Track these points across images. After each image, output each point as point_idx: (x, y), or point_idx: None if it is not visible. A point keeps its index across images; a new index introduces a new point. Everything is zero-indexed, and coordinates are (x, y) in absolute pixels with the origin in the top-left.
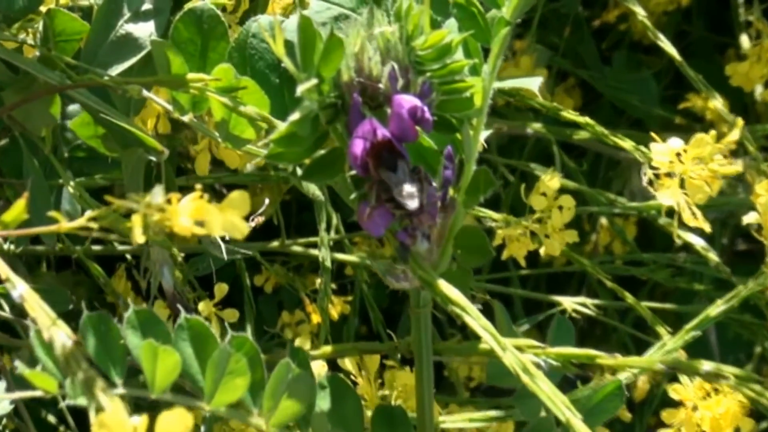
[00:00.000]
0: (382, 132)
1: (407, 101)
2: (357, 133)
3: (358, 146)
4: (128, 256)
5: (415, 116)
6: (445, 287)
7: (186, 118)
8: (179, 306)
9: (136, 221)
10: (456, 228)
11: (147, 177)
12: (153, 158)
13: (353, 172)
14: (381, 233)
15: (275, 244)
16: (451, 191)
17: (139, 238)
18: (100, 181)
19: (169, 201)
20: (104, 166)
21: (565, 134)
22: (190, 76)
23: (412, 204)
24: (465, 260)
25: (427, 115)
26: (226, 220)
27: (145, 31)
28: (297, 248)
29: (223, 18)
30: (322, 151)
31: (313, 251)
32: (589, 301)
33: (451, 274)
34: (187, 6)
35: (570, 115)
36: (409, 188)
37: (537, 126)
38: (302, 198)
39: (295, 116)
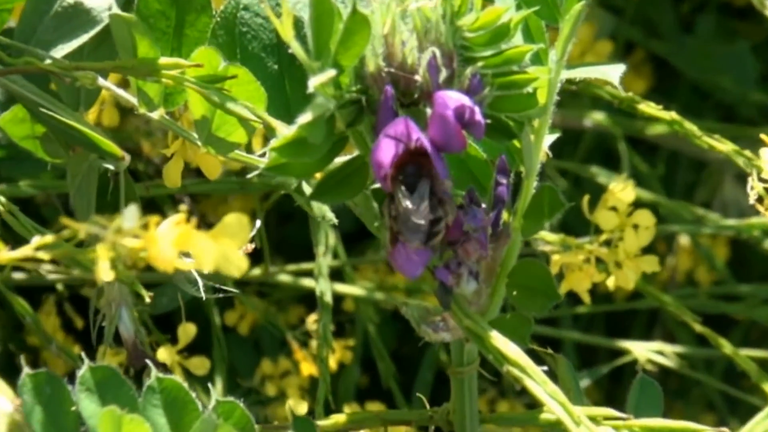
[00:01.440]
0: (419, 137)
1: (453, 99)
2: (387, 131)
3: (387, 151)
4: (59, 286)
5: (463, 118)
6: (499, 340)
7: (155, 115)
8: (146, 360)
9: (103, 253)
10: (511, 262)
11: (100, 190)
12: (109, 166)
13: (377, 186)
14: (417, 274)
15: (257, 272)
16: (504, 215)
17: (105, 274)
18: (26, 189)
19: (145, 226)
20: (29, 169)
21: (636, 128)
22: (163, 60)
23: (413, 240)
24: (523, 305)
25: (478, 116)
26: (220, 253)
27: (100, 0)
28: (285, 277)
29: None
30: (339, 162)
31: (306, 281)
32: (667, 347)
33: (505, 323)
34: None
35: (650, 109)
36: (416, 220)
37: (598, 117)
38: (283, 206)
39: (305, 118)
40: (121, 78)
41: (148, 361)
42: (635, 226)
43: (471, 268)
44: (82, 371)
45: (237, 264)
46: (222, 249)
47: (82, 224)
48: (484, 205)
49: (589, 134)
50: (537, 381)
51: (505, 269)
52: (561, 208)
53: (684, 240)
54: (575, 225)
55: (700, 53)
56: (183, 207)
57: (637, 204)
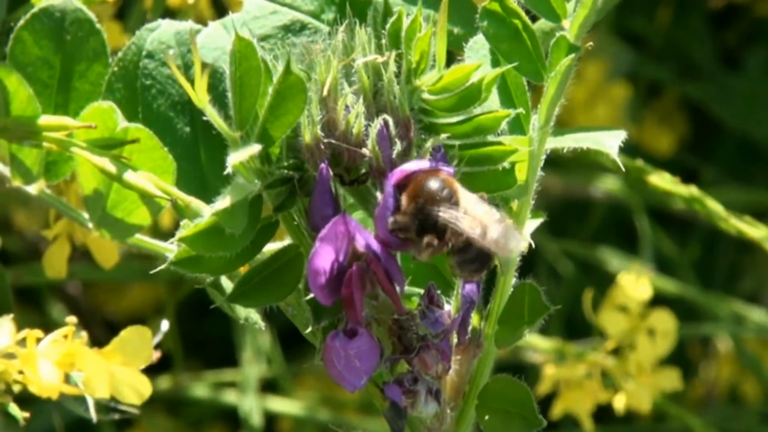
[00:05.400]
0: (363, 240)
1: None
2: (324, 235)
3: (326, 257)
4: None
5: None
6: None
7: (33, 189)
8: None
9: None
10: (482, 378)
11: None
12: None
13: (313, 296)
14: (360, 385)
15: (163, 383)
16: (474, 319)
17: None
18: None
19: (22, 342)
20: None
21: (660, 198)
22: (44, 120)
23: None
24: None
25: None
26: (116, 376)
27: None
28: (201, 390)
29: (98, 25)
30: (266, 253)
31: (229, 395)
32: None
33: None
34: (39, 4)
35: (664, 183)
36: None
37: (611, 184)
38: (200, 296)
39: (222, 203)
40: None
41: None
42: (651, 332)
43: (430, 386)
44: None
45: (137, 389)
46: (119, 372)
47: None
48: (448, 307)
49: (600, 206)
50: None
51: (475, 388)
52: (544, 312)
53: (724, 344)
54: (581, 326)
55: (749, 97)
56: (71, 319)
57: (662, 298)
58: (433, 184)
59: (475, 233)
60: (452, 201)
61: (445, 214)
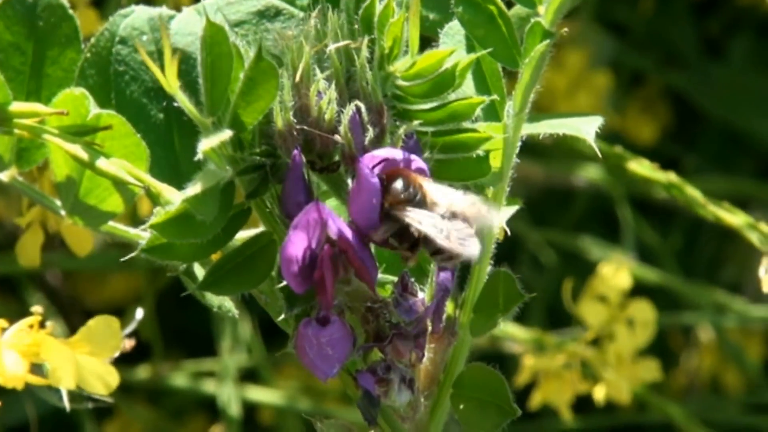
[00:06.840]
0: (337, 228)
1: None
2: (298, 223)
3: (299, 245)
4: None
5: None
6: None
7: (5, 176)
8: None
9: None
10: (457, 367)
11: None
12: None
13: (285, 283)
14: (332, 373)
15: (143, 373)
16: (449, 307)
17: None
18: None
19: None
20: None
21: (641, 188)
22: (16, 106)
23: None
24: (472, 421)
25: None
26: (83, 366)
27: None
28: (181, 380)
29: (71, 11)
30: (238, 241)
31: (208, 384)
32: None
33: None
34: None
35: (643, 170)
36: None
37: (593, 173)
38: (181, 286)
39: (193, 189)
40: None
41: None
42: (630, 322)
43: (404, 374)
44: None
45: (104, 379)
46: (85, 361)
47: None
48: (422, 294)
49: (582, 195)
50: None
51: (450, 376)
52: (519, 299)
53: (705, 334)
54: (561, 316)
55: (732, 86)
56: (36, 308)
57: (643, 288)
58: (397, 186)
59: (440, 237)
60: (417, 200)
61: (409, 216)
